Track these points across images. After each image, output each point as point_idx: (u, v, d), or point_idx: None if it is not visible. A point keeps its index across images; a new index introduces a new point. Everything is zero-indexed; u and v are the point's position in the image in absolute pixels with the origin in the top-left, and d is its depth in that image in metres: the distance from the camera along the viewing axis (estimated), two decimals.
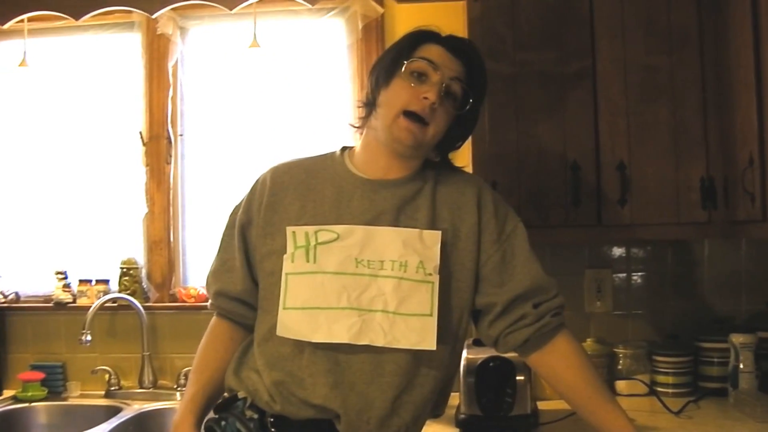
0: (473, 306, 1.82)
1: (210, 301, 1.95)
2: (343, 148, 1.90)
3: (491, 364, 2.45)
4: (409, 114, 1.72)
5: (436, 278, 1.69)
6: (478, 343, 2.52)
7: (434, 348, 1.68)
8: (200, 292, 3.38)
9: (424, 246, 1.71)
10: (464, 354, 2.53)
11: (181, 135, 3.46)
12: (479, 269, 1.80)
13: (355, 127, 1.90)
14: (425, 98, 1.71)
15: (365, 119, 1.84)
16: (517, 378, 2.44)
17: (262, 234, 1.81)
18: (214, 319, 1.96)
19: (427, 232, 1.72)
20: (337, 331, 1.69)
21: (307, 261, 1.73)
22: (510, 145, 2.59)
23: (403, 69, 1.74)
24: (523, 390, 2.44)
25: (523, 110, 2.61)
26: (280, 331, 1.70)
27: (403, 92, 1.73)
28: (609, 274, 3.06)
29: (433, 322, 1.68)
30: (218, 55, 3.44)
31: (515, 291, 1.79)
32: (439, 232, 1.72)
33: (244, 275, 1.86)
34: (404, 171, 1.80)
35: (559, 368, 1.79)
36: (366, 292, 1.70)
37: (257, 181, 1.88)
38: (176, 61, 3.42)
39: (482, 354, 2.47)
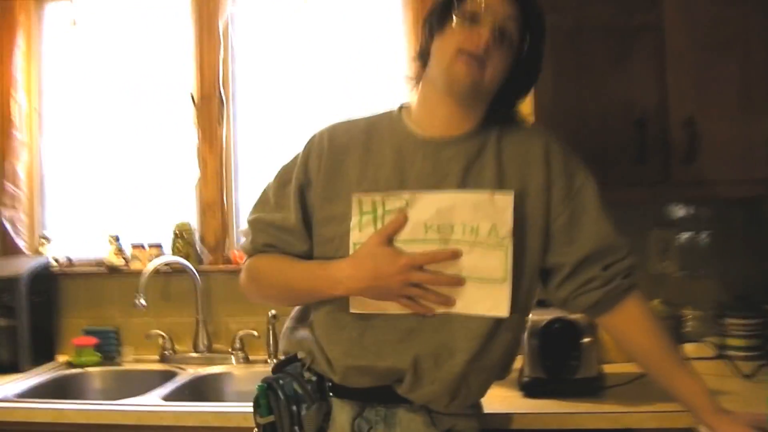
0: (543, 265, 1.79)
1: (254, 249, 1.89)
2: (401, 107, 1.85)
3: (556, 326, 2.39)
4: (465, 53, 1.66)
5: (509, 243, 1.66)
6: (541, 303, 2.32)
7: (507, 315, 1.67)
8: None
9: (495, 209, 1.67)
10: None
11: (232, 96, 3.40)
12: (549, 227, 1.76)
13: (411, 80, 1.85)
14: (479, 37, 1.66)
15: (421, 71, 1.80)
16: (583, 340, 2.37)
17: (321, 197, 1.77)
18: (254, 257, 1.89)
19: (499, 195, 1.68)
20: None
21: (375, 228, 1.70)
22: (573, 101, 2.53)
23: (455, 12, 1.69)
24: (588, 352, 2.38)
25: (586, 65, 2.54)
26: (355, 307, 1.70)
27: (457, 34, 1.67)
28: (675, 234, 3.01)
29: (508, 288, 1.66)
30: (270, 12, 3.37)
31: (584, 251, 1.75)
32: (512, 194, 1.68)
33: (302, 236, 1.83)
34: (466, 124, 1.75)
35: (630, 331, 1.78)
36: None
37: (313, 139, 1.84)
38: (227, 20, 3.36)
39: (546, 315, 2.40)
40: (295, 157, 1.86)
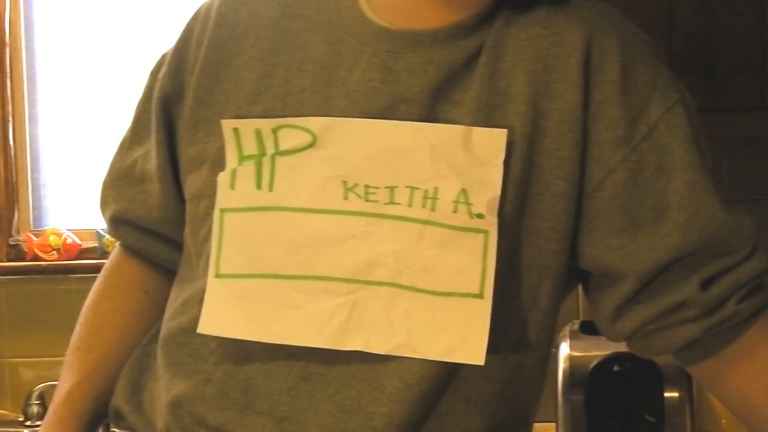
0: (577, 266, 1.33)
1: (106, 228, 1.61)
2: None
3: (616, 369, 2.02)
4: None
5: (492, 224, 1.25)
6: (587, 328, 2.07)
7: (482, 362, 1.26)
8: (69, 240, 2.59)
9: (472, 158, 1.28)
10: (563, 349, 2.09)
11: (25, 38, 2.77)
12: (585, 196, 1.28)
13: None
14: None
15: None
16: (667, 394, 2.01)
17: (190, 122, 1.39)
18: (115, 252, 1.61)
19: (479, 131, 1.26)
20: (306, 322, 1.31)
21: (258, 187, 1.32)
22: None
23: None
24: (676, 415, 2.02)
25: None
26: (204, 326, 1.31)
27: None
28: None
29: (484, 308, 1.27)
30: None
31: (666, 250, 1.27)
32: (504, 132, 1.25)
33: (167, 192, 1.45)
34: (453, 10, 1.32)
35: (756, 388, 1.33)
36: (361, 248, 1.28)
37: (197, 13, 1.46)
38: None
39: (599, 349, 2.05)
40: (170, 48, 1.51)
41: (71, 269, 2.59)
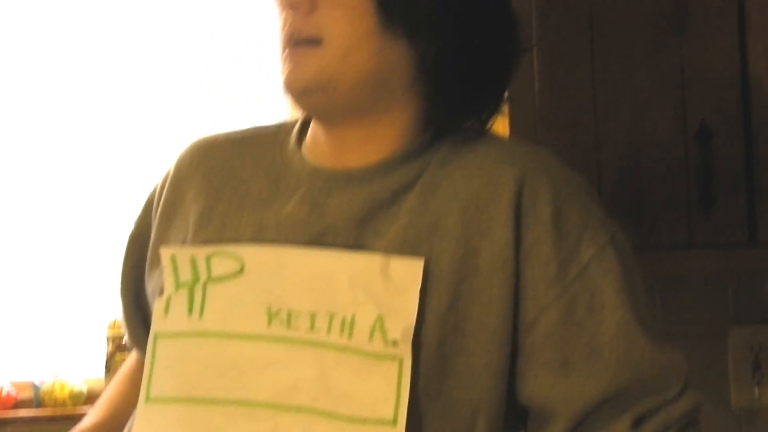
0: (512, 401, 1.37)
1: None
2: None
3: None
4: (285, 43, 1.40)
5: (407, 352, 1.30)
6: None
7: None
8: (4, 392, 2.52)
9: (389, 287, 1.33)
10: None
11: None
12: (520, 334, 1.34)
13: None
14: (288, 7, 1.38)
15: None
16: None
17: (150, 260, 1.51)
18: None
19: (397, 260, 1.33)
20: None
21: (190, 313, 1.39)
22: (582, 100, 2.01)
23: None
24: None
25: (606, 37, 2.02)
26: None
27: (279, 23, 1.43)
28: None
29: None
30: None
31: (598, 389, 1.32)
32: (421, 262, 1.32)
33: (134, 328, 1.57)
34: (380, 151, 1.41)
35: None
36: (282, 374, 1.34)
37: (174, 162, 1.60)
38: None
39: None
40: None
41: (7, 421, 2.56)
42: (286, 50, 1.37)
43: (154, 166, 2.68)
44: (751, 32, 1.93)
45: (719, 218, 1.96)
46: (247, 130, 1.59)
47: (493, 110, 1.47)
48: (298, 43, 1.35)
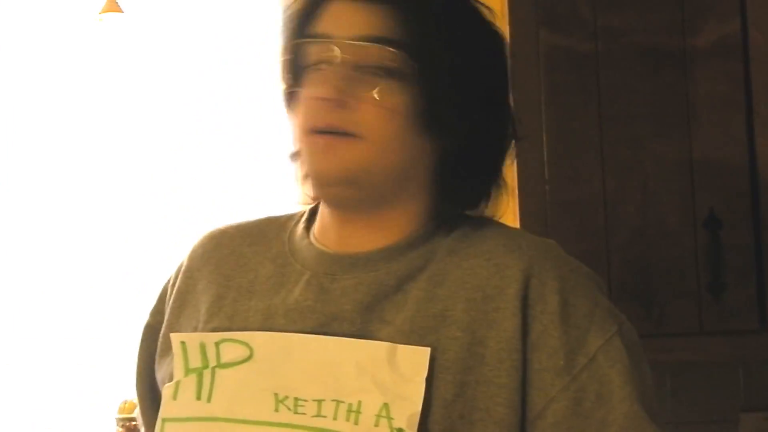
0: None
1: None
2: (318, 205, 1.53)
3: None
4: (311, 130, 1.34)
5: None
6: None
7: None
8: None
9: (395, 375, 1.29)
10: None
11: None
12: (528, 424, 1.30)
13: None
14: (322, 99, 1.35)
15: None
16: None
17: (160, 348, 1.48)
18: None
19: (404, 348, 1.29)
20: None
21: (198, 398, 1.35)
22: (591, 187, 2.04)
23: (284, 74, 1.41)
24: None
25: (613, 120, 2.03)
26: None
27: (301, 107, 1.37)
28: None
29: None
30: (47, 26, 2.86)
31: None
32: (427, 351, 1.28)
33: (149, 417, 1.51)
34: (386, 236, 1.40)
35: None
36: None
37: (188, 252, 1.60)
38: None
39: None
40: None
41: None
42: (313, 137, 1.37)
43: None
44: (758, 121, 1.97)
45: (729, 305, 1.97)
46: (259, 220, 1.59)
47: (490, 197, 1.47)
48: (322, 131, 1.36)
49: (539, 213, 2.05)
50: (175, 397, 1.39)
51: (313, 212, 1.51)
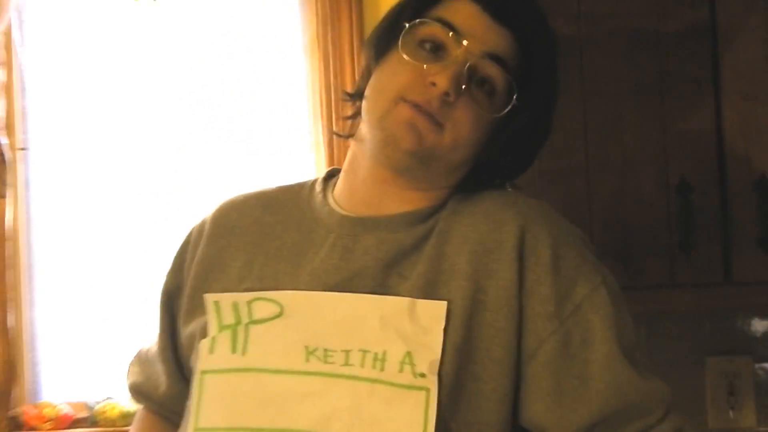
0: (514, 423, 1.45)
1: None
2: (332, 173, 1.64)
3: None
4: (409, 102, 1.41)
5: (433, 383, 1.37)
6: None
7: None
8: (62, 412, 2.59)
9: (416, 326, 1.40)
10: None
11: (23, 149, 2.68)
12: (522, 363, 1.43)
13: (339, 136, 1.82)
14: (433, 84, 1.39)
15: (353, 120, 1.57)
16: None
17: (188, 307, 1.56)
18: (139, 409, 1.76)
19: (422, 303, 1.40)
20: None
21: (233, 351, 1.45)
22: (574, 154, 2.11)
23: (402, 36, 1.44)
24: None
25: (594, 96, 2.10)
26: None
27: (401, 71, 1.42)
28: (749, 365, 2.50)
29: None
30: (87, 14, 2.69)
31: (589, 414, 1.40)
32: (444, 305, 1.39)
33: (170, 372, 1.61)
34: (413, 203, 1.50)
35: None
36: (319, 404, 1.39)
37: (195, 226, 1.66)
38: (8, 26, 2.60)
39: None
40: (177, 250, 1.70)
41: None
42: (404, 105, 1.43)
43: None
44: (725, 97, 2.05)
45: (698, 261, 2.07)
46: (272, 190, 1.68)
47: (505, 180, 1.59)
48: (423, 111, 1.43)
49: (529, 181, 2.01)
50: (212, 351, 1.48)
51: (325, 180, 1.62)
